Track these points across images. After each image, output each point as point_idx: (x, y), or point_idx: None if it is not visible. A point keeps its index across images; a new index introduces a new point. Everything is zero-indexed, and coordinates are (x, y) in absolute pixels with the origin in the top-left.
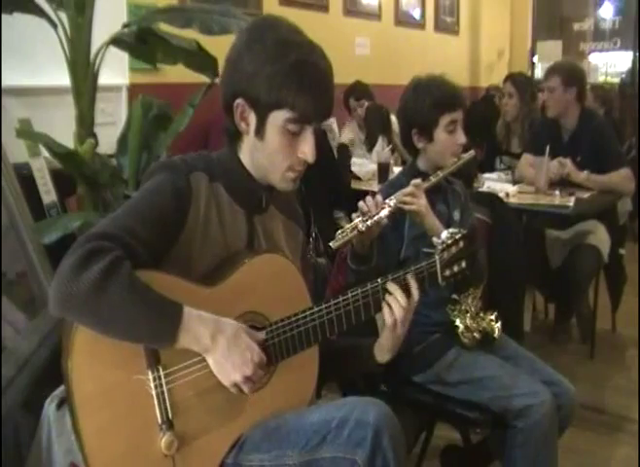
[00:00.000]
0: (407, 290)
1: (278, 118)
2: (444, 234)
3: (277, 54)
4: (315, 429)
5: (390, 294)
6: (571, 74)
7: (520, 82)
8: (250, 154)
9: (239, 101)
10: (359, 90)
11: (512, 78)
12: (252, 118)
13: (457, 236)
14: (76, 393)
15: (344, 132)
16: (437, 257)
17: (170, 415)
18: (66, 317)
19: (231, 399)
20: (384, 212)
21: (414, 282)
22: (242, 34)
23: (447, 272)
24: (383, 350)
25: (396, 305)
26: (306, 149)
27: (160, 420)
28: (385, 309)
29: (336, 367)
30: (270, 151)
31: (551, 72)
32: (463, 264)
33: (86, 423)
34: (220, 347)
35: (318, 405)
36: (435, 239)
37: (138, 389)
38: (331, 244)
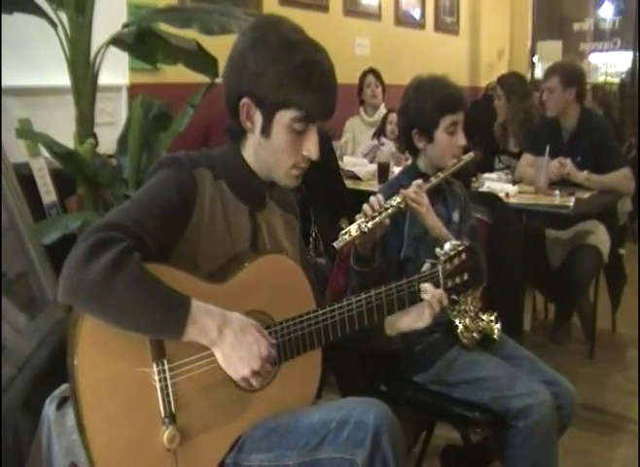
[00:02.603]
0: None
1: (285, 117)
2: (447, 246)
3: (283, 54)
4: (315, 430)
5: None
6: (570, 74)
7: (507, 84)
8: (254, 151)
9: (245, 101)
10: (374, 75)
11: (500, 80)
12: (258, 117)
13: (460, 249)
14: (80, 381)
15: (347, 125)
16: (439, 267)
17: (173, 409)
18: (74, 305)
19: (234, 396)
20: (387, 213)
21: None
22: (246, 33)
23: (450, 284)
24: (400, 328)
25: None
26: (311, 147)
27: (163, 414)
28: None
29: (344, 341)
30: (276, 149)
31: (550, 72)
32: (465, 276)
33: (89, 413)
34: (227, 341)
35: (318, 405)
36: (438, 250)
37: (142, 381)
38: (334, 244)
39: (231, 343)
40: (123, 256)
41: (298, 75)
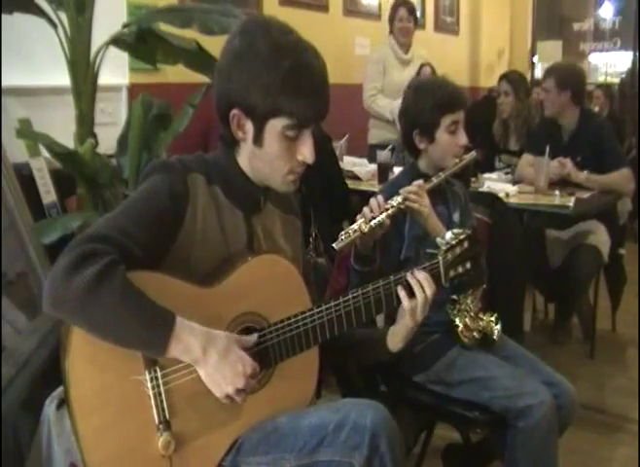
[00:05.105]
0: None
1: (276, 125)
2: (449, 235)
3: (271, 62)
4: (312, 432)
5: (415, 280)
6: (566, 77)
7: (515, 80)
8: (249, 160)
9: (235, 112)
10: (408, 9)
11: (506, 76)
12: (249, 126)
13: (461, 237)
14: (73, 393)
15: (376, 56)
16: (440, 258)
17: (167, 416)
18: (58, 316)
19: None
20: (387, 213)
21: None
22: (232, 40)
23: (452, 273)
24: (397, 338)
25: (419, 290)
26: (306, 151)
27: (157, 421)
28: (404, 296)
29: (348, 356)
30: (270, 157)
31: (547, 73)
32: (468, 265)
33: (83, 423)
34: (211, 360)
35: (316, 407)
36: (439, 240)
37: (135, 389)
38: (334, 245)
39: (214, 363)
40: (106, 270)
41: (287, 82)
